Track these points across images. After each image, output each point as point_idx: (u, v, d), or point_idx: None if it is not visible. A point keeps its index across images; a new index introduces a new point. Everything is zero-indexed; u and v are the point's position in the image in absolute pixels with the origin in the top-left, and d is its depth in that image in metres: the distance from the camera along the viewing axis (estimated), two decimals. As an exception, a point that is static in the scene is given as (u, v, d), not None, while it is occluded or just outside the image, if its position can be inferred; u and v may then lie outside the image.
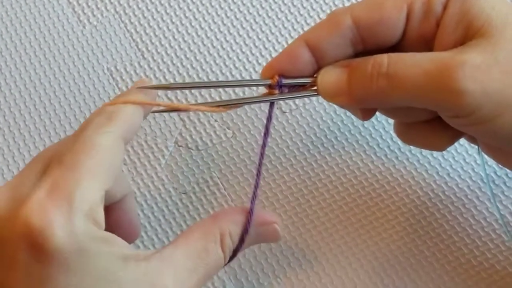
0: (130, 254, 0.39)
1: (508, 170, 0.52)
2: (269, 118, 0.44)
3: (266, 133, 0.44)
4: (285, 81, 0.44)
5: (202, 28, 0.58)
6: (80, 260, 0.37)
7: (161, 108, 0.44)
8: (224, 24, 0.58)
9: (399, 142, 0.53)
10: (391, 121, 0.54)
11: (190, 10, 0.59)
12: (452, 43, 0.42)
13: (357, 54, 0.45)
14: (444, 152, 0.53)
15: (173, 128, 0.54)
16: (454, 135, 0.46)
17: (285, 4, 0.59)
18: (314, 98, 0.55)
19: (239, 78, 0.56)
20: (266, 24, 0.58)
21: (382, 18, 0.43)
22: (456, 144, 0.52)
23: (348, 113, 0.54)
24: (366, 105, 0.45)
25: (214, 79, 0.56)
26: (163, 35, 0.58)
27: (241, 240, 0.43)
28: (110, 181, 0.39)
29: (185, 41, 0.57)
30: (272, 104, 0.45)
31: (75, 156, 0.38)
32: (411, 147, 0.53)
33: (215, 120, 0.54)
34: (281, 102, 0.55)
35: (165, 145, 0.54)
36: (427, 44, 0.44)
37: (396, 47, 0.44)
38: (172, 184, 0.53)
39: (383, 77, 0.42)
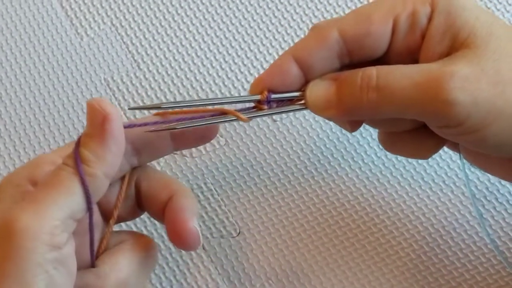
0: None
1: (490, 177, 0.53)
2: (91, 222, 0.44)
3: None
4: (273, 96, 0.45)
5: (195, 40, 0.60)
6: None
7: (153, 128, 0.45)
8: (217, 36, 0.60)
9: (385, 153, 0.55)
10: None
11: (184, 22, 0.61)
12: (437, 54, 0.43)
13: (344, 67, 0.45)
14: (429, 160, 0.54)
15: (168, 136, 0.56)
16: (438, 143, 0.46)
17: (275, 17, 0.61)
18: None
19: (232, 88, 0.57)
20: (257, 36, 0.60)
21: (368, 32, 0.44)
22: (440, 151, 0.54)
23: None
24: (355, 118, 0.46)
25: (208, 90, 0.58)
26: (158, 47, 0.60)
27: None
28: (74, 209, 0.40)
29: (179, 53, 0.59)
30: (90, 210, 0.42)
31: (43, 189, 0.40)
32: (397, 157, 0.54)
33: (209, 129, 0.56)
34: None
35: (161, 153, 0.55)
36: (412, 56, 0.44)
37: (382, 59, 0.45)
38: (167, 190, 0.54)
39: (373, 89, 0.42)
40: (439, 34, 0.43)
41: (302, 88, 0.45)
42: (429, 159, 0.54)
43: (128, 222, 0.52)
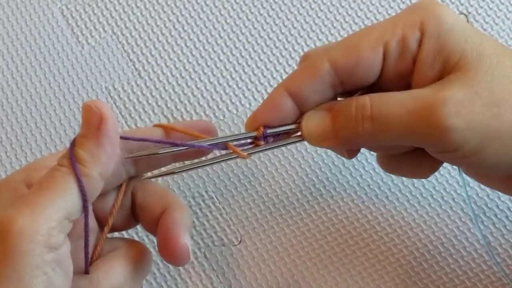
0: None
1: (489, 191, 0.53)
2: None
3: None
4: (269, 130, 0.45)
5: (196, 48, 0.60)
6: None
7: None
8: (218, 44, 0.60)
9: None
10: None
11: (185, 31, 0.61)
12: (430, 78, 0.43)
13: (337, 95, 0.45)
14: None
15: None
16: (436, 163, 0.46)
17: (285, 26, 0.61)
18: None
19: (234, 97, 0.58)
20: (261, 37, 0.60)
21: (359, 61, 0.43)
22: (439, 173, 0.54)
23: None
24: (352, 147, 0.46)
25: (208, 97, 0.58)
26: (159, 55, 0.60)
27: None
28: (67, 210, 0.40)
29: (180, 61, 0.59)
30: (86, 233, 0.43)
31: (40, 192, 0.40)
32: (397, 178, 0.54)
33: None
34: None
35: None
36: (404, 81, 0.44)
37: (375, 85, 0.45)
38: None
39: (368, 120, 0.42)
40: (430, 58, 0.43)
41: (298, 120, 0.45)
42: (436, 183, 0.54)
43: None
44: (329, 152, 0.55)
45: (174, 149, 0.45)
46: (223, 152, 0.47)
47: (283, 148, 0.55)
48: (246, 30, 0.61)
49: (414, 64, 0.44)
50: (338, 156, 0.55)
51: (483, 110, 0.41)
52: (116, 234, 0.49)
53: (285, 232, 0.53)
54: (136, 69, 0.59)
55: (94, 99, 0.57)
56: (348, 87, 0.45)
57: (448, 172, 0.54)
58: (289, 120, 0.45)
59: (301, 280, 0.51)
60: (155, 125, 0.47)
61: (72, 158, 0.41)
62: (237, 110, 0.57)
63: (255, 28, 0.61)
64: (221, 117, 0.57)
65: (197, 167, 0.47)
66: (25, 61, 0.60)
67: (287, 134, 0.46)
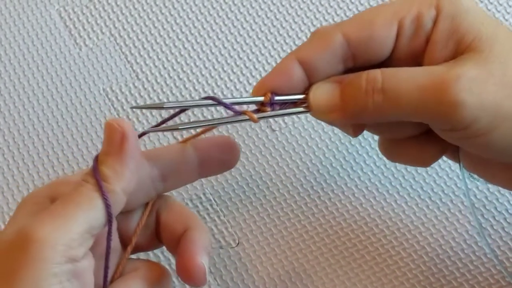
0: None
1: (489, 186, 0.53)
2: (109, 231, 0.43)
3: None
4: (277, 98, 0.44)
5: (194, 50, 0.60)
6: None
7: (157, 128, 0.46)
8: (216, 46, 0.60)
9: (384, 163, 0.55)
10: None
11: (183, 32, 0.61)
12: (442, 58, 0.43)
13: (347, 70, 0.45)
14: (427, 169, 0.54)
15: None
16: (439, 150, 0.46)
17: (277, 19, 0.61)
18: (303, 117, 0.56)
19: (230, 97, 0.58)
20: (256, 45, 0.60)
21: (372, 36, 0.43)
22: (440, 161, 0.54)
23: (336, 131, 0.56)
24: (360, 121, 0.45)
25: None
26: (156, 57, 0.60)
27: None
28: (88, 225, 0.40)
29: (178, 62, 0.59)
30: (110, 223, 0.42)
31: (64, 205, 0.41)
32: (396, 166, 0.54)
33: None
34: (271, 120, 0.56)
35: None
36: (416, 59, 0.44)
37: (386, 63, 0.44)
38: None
39: (379, 92, 0.42)
40: (444, 38, 0.43)
41: (306, 91, 0.45)
42: (428, 169, 0.54)
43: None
44: (327, 154, 0.55)
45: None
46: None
47: (281, 150, 0.55)
48: (244, 32, 0.61)
49: (427, 43, 0.43)
50: (336, 157, 0.55)
51: (496, 89, 0.41)
52: (141, 255, 0.49)
53: (283, 235, 0.53)
54: (133, 71, 0.59)
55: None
56: (359, 62, 0.44)
57: (448, 166, 0.54)
58: (298, 89, 0.45)
59: (299, 283, 0.51)
60: (182, 141, 0.47)
61: (96, 175, 0.41)
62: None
63: (252, 29, 0.61)
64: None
65: (204, 125, 0.46)
66: (22, 63, 0.60)
67: (294, 104, 0.45)
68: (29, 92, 0.58)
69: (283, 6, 0.62)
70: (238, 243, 0.52)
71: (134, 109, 0.57)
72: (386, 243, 0.52)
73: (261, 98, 0.45)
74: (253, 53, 0.60)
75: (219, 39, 0.60)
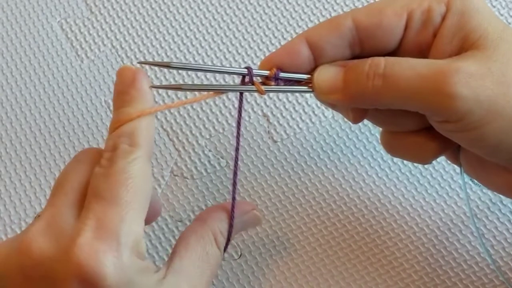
0: (158, 275, 0.42)
1: (491, 195, 0.54)
2: (239, 110, 0.46)
3: (239, 123, 0.46)
4: (282, 74, 0.45)
5: (195, 60, 0.60)
6: None
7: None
8: (217, 58, 0.60)
9: (388, 167, 0.55)
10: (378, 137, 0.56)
11: (184, 44, 0.61)
12: (447, 53, 0.44)
13: (354, 57, 0.46)
14: (430, 177, 0.54)
15: (168, 158, 0.56)
16: (439, 147, 0.47)
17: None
18: (304, 128, 0.57)
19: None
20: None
21: (381, 23, 0.44)
22: (442, 171, 0.54)
23: (337, 142, 0.56)
24: (359, 104, 0.46)
25: (208, 111, 0.58)
26: (158, 68, 0.60)
27: (229, 234, 0.47)
28: (147, 208, 0.41)
29: (179, 74, 0.59)
30: (241, 95, 0.46)
31: (113, 190, 0.39)
32: (400, 169, 0.55)
33: (209, 150, 0.56)
34: (273, 131, 0.56)
35: (161, 175, 0.56)
36: (422, 53, 0.45)
37: (393, 53, 0.45)
38: (168, 212, 0.54)
39: (379, 77, 0.43)
40: (451, 33, 0.44)
41: (311, 72, 0.46)
42: (431, 179, 0.54)
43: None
44: (329, 165, 0.55)
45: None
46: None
47: (283, 161, 0.55)
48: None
49: (434, 37, 0.44)
50: (338, 168, 0.55)
51: (493, 86, 0.42)
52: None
53: (285, 246, 0.53)
54: (135, 82, 0.59)
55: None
56: (367, 50, 0.45)
57: (450, 176, 0.55)
58: (303, 69, 0.46)
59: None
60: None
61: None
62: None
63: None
64: (220, 130, 0.57)
65: (207, 89, 0.46)
66: (24, 75, 0.60)
67: (298, 83, 0.46)
68: (31, 104, 0.58)
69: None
70: (240, 255, 0.52)
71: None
72: (380, 243, 0.52)
73: (266, 72, 0.45)
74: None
75: (220, 50, 0.60)
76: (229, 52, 0.60)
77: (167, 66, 0.45)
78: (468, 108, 0.41)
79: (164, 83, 0.59)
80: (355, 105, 0.46)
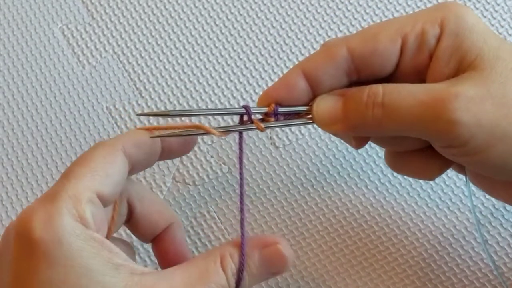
0: (124, 264, 0.40)
1: (495, 201, 0.53)
2: (240, 149, 0.45)
3: (241, 159, 0.45)
4: (281, 109, 0.45)
5: (197, 67, 0.60)
6: (61, 253, 0.39)
7: (163, 133, 0.46)
8: (219, 63, 0.60)
9: (390, 173, 0.55)
10: (382, 153, 0.55)
11: (186, 50, 0.61)
12: (445, 75, 0.43)
13: (352, 84, 0.45)
14: (432, 183, 0.54)
15: (170, 165, 0.56)
16: (444, 164, 0.46)
17: (279, 36, 0.61)
18: (306, 134, 0.57)
19: (235, 116, 0.58)
20: (259, 62, 0.60)
21: (376, 50, 0.44)
22: (444, 176, 0.54)
23: (339, 148, 0.56)
24: (360, 134, 0.46)
25: (209, 116, 0.58)
26: (160, 74, 0.60)
27: (240, 264, 0.43)
28: (103, 186, 0.42)
29: (181, 80, 0.59)
30: (241, 134, 0.45)
31: (70, 167, 0.43)
32: (400, 183, 0.54)
33: (211, 156, 0.56)
34: (275, 137, 0.56)
35: (163, 181, 0.55)
36: (419, 75, 0.45)
37: (390, 78, 0.45)
38: (171, 218, 0.54)
39: (379, 106, 0.42)
40: (447, 55, 0.43)
41: (310, 103, 0.45)
42: (434, 185, 0.54)
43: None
44: (331, 171, 0.55)
45: (185, 113, 0.47)
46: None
47: (285, 167, 0.55)
48: (247, 49, 0.61)
49: (431, 60, 0.44)
50: (340, 174, 0.55)
51: (494, 109, 0.41)
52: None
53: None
54: (137, 88, 0.59)
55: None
56: (363, 77, 0.45)
57: (454, 182, 0.54)
58: (301, 101, 0.45)
59: (304, 270, 0.51)
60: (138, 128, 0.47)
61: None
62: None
63: (258, 39, 0.61)
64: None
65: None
66: (26, 81, 0.60)
67: (298, 115, 0.46)
68: (32, 110, 0.58)
69: (288, 15, 0.62)
70: (243, 262, 0.52)
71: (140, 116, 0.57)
72: (383, 249, 0.52)
73: (265, 109, 0.45)
74: (256, 69, 0.60)
75: (222, 56, 0.60)
76: (228, 79, 0.60)
77: (167, 115, 0.45)
78: (470, 134, 0.41)
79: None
80: (357, 134, 0.46)
